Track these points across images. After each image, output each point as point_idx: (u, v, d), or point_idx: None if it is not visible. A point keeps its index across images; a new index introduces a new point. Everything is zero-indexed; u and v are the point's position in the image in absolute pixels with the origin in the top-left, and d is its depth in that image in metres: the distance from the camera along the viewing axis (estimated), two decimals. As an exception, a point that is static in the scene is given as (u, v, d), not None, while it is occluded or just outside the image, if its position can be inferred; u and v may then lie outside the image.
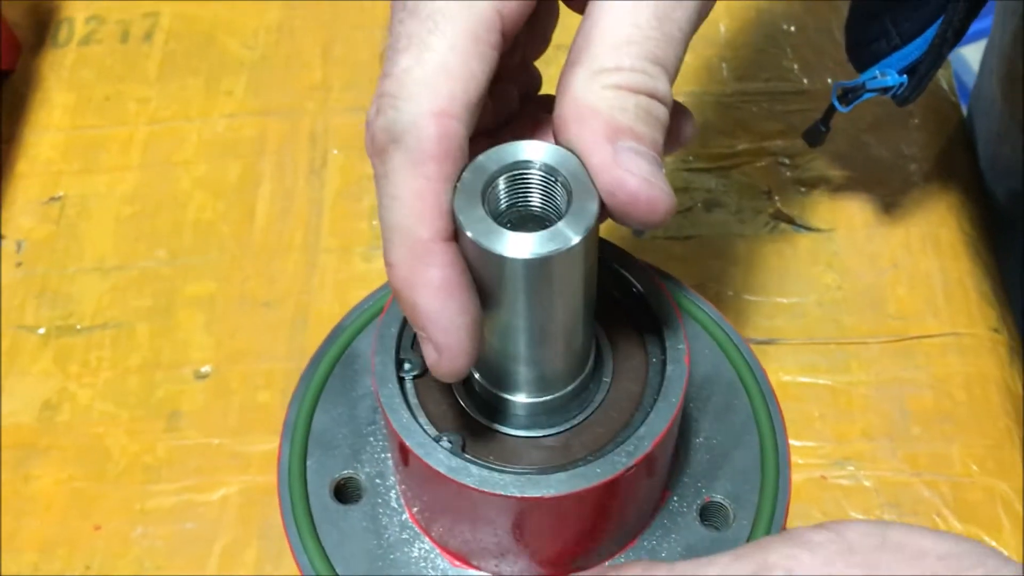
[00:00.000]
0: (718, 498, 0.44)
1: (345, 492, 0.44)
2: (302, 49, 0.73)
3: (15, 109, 0.71)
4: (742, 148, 0.66)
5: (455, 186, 0.34)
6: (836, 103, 0.56)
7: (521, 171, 0.35)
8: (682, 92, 0.70)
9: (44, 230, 0.66)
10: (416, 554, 0.43)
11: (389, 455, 0.44)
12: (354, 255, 0.63)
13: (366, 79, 0.71)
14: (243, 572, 0.52)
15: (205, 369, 0.59)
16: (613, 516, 0.41)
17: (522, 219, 0.36)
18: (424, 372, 0.42)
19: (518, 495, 0.37)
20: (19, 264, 0.64)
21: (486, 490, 0.38)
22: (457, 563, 0.43)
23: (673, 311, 0.41)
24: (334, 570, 0.42)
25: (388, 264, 0.34)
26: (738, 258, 0.62)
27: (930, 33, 0.52)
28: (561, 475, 0.38)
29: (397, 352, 0.41)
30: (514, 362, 0.38)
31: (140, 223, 0.66)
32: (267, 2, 0.76)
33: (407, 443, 0.38)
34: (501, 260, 0.34)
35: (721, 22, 0.73)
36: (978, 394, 0.56)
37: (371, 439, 0.45)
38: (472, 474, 0.38)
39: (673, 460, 0.44)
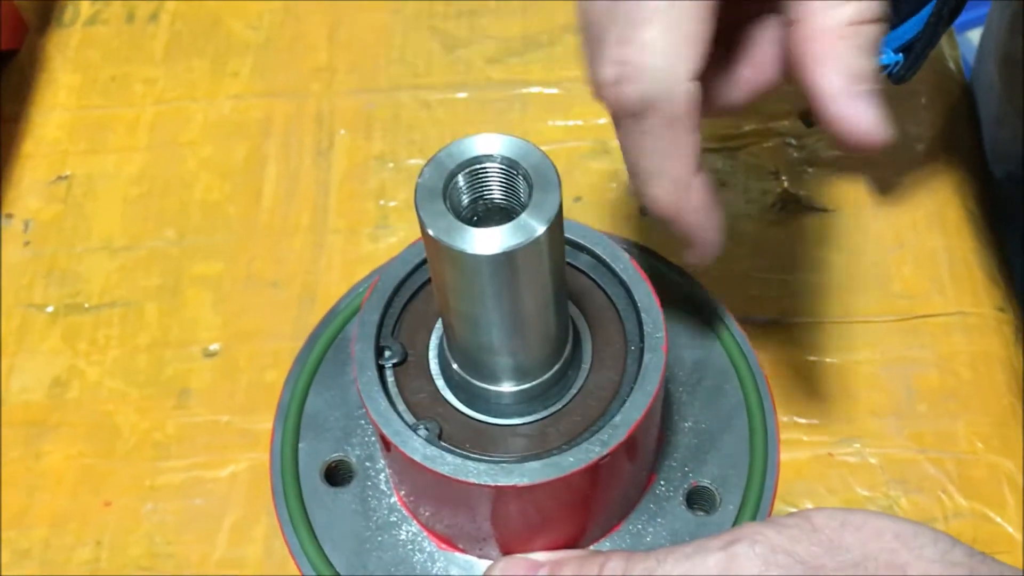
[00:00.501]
0: (705, 483, 0.44)
1: (336, 474, 0.44)
2: (308, 31, 0.73)
3: (21, 89, 0.71)
4: (749, 129, 0.66)
5: (416, 183, 0.35)
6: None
7: (481, 165, 0.35)
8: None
9: (51, 210, 0.66)
10: (404, 537, 0.43)
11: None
12: (361, 235, 0.64)
13: (372, 61, 0.71)
14: (252, 547, 0.52)
15: (213, 348, 0.60)
16: (592, 503, 0.41)
17: (487, 212, 0.36)
18: (404, 360, 0.42)
19: (491, 483, 0.38)
20: (27, 243, 0.64)
21: (460, 478, 0.38)
22: (444, 546, 0.43)
23: (653, 298, 0.41)
24: (323, 551, 0.43)
25: (651, 197, 0.39)
26: (745, 238, 0.62)
27: (925, 12, 0.52)
28: (535, 464, 0.38)
29: (378, 340, 0.41)
30: (488, 352, 0.38)
31: (147, 203, 0.66)
32: (273, -17, 0.76)
33: (384, 431, 0.39)
34: (467, 257, 0.34)
35: (727, 4, 0.73)
36: (983, 372, 0.56)
37: (362, 422, 0.45)
38: (447, 462, 0.38)
39: (659, 444, 0.44)
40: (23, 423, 0.57)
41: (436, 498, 0.41)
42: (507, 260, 0.34)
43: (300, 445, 0.45)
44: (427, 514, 0.43)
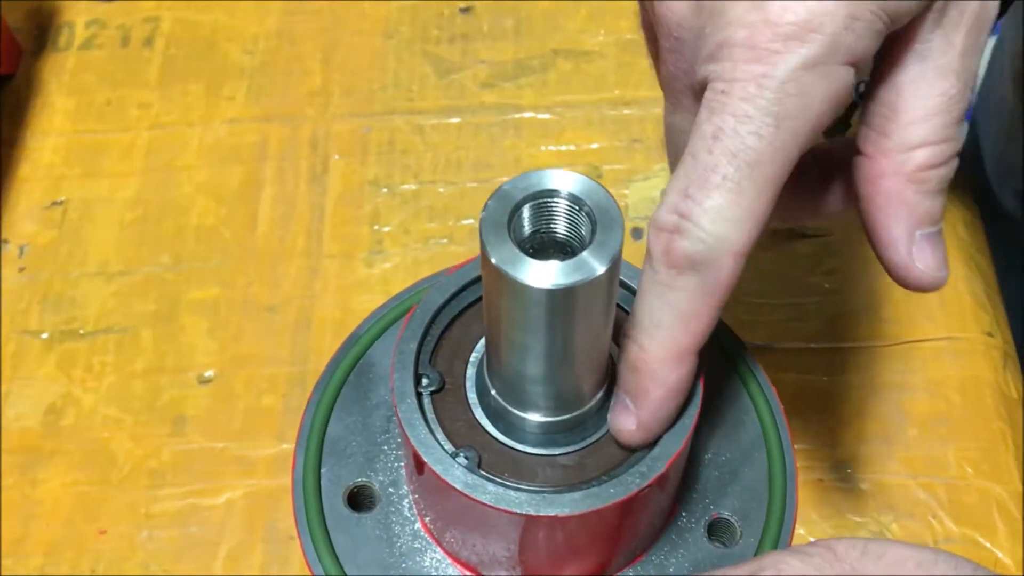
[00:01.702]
0: (726, 514, 0.44)
1: (358, 500, 0.44)
2: (302, 55, 0.74)
3: (16, 113, 0.72)
4: (740, 154, 0.67)
5: (480, 216, 0.35)
6: (858, 100, 0.56)
7: (546, 199, 0.36)
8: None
9: (47, 235, 0.66)
10: (427, 563, 0.43)
11: (403, 464, 0.45)
12: (356, 260, 0.64)
13: (366, 85, 0.72)
14: (248, 574, 0.53)
15: (209, 374, 0.60)
16: (625, 534, 0.42)
17: (545, 246, 0.37)
18: (441, 388, 0.42)
19: (533, 513, 0.38)
20: (22, 269, 0.65)
21: (501, 507, 0.38)
22: (468, 573, 0.43)
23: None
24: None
25: (637, 344, 0.38)
26: (736, 263, 0.62)
27: None
28: (576, 494, 0.38)
29: (416, 368, 0.41)
30: (532, 383, 0.39)
31: (143, 228, 0.66)
32: (267, 8, 0.76)
33: (425, 459, 0.39)
34: (525, 288, 0.34)
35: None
36: (972, 397, 0.57)
37: (385, 448, 0.46)
38: (488, 491, 0.39)
39: (683, 476, 0.45)
40: (19, 450, 0.57)
41: (467, 526, 0.41)
42: (564, 295, 0.35)
43: (322, 470, 0.45)
44: (454, 541, 0.43)
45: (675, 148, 0.41)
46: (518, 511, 0.38)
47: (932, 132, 0.36)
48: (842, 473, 0.55)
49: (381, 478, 0.45)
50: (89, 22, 0.77)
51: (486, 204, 0.35)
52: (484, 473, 0.40)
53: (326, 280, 0.63)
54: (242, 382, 0.59)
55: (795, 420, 0.56)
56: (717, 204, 0.35)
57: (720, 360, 0.48)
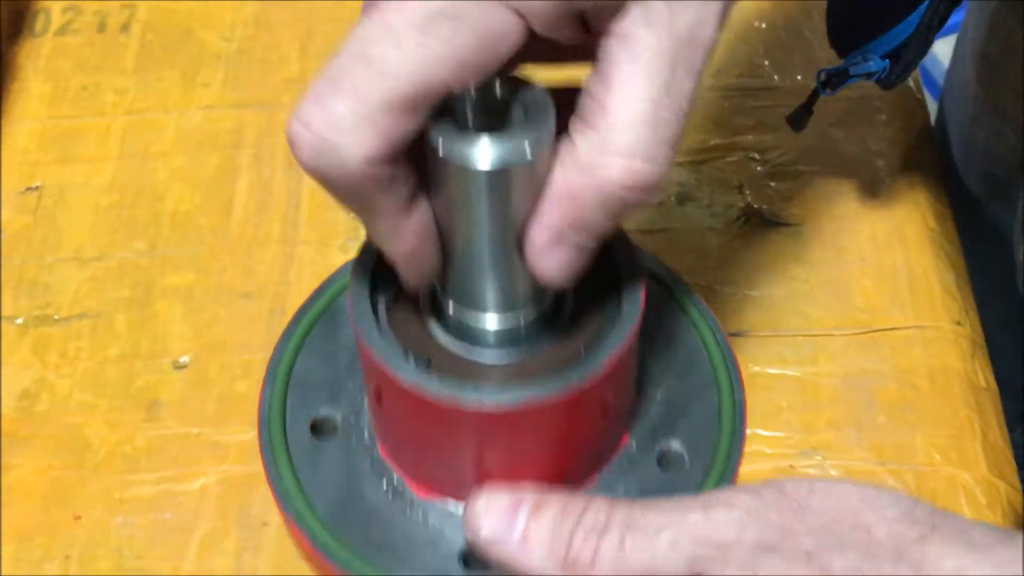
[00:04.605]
0: (675, 447, 0.46)
1: (321, 429, 0.46)
2: (279, 43, 0.74)
3: (-9, 99, 0.71)
4: (714, 143, 0.67)
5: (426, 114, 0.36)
6: (820, 88, 0.57)
7: (486, 89, 0.37)
8: (655, 88, 0.71)
9: (21, 220, 0.66)
10: (385, 487, 0.44)
11: (365, 396, 0.46)
12: (332, 247, 0.64)
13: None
14: (222, 560, 0.53)
15: (184, 359, 0.60)
16: (570, 441, 0.43)
17: (485, 128, 0.38)
18: (396, 299, 0.44)
19: (475, 403, 0.39)
20: (-3, 254, 0.65)
21: (443, 396, 0.39)
22: (425, 494, 0.44)
23: (632, 250, 0.44)
24: (308, 500, 0.44)
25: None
26: (709, 251, 0.63)
27: (912, 19, 0.54)
28: (519, 389, 0.40)
29: (373, 279, 0.43)
30: (478, 273, 0.40)
31: (118, 214, 0.66)
32: (244, -6, 0.76)
33: (373, 353, 0.40)
34: (465, 170, 0.36)
35: (694, 19, 0.74)
36: (941, 385, 0.58)
37: (349, 383, 0.47)
38: (433, 383, 0.40)
39: (634, 408, 0.46)
40: (-8, 435, 0.57)
41: (417, 434, 0.42)
42: (501, 176, 0.36)
43: (288, 402, 0.47)
44: (409, 458, 0.44)
45: None
46: (460, 400, 0.39)
47: (637, 142, 0.35)
48: (813, 459, 0.56)
49: (344, 410, 0.46)
50: (65, 8, 0.76)
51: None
52: (432, 372, 0.41)
53: (302, 267, 0.63)
54: (217, 368, 0.59)
55: (766, 407, 0.57)
56: (340, 110, 0.35)
57: (669, 302, 0.50)
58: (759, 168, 0.66)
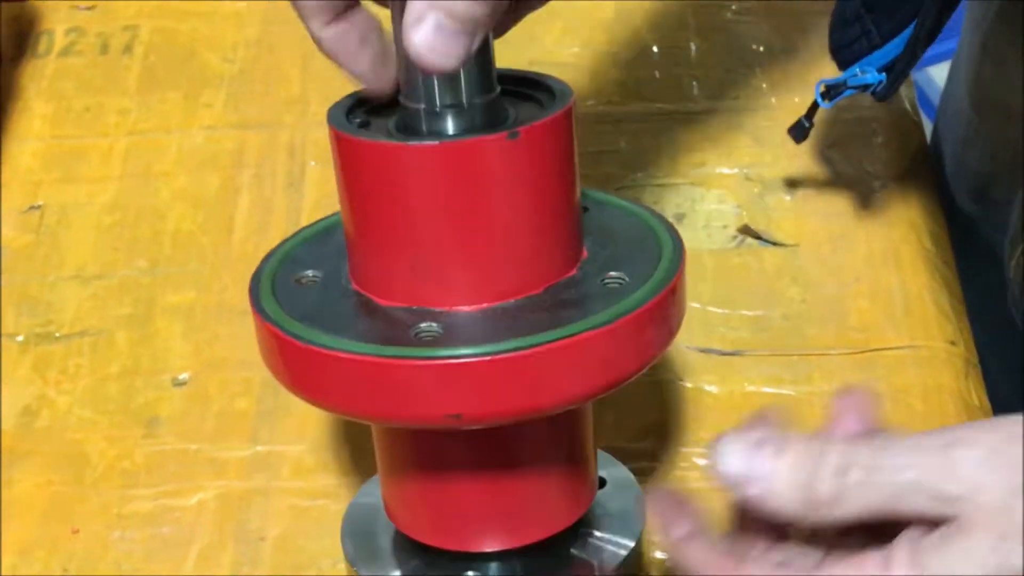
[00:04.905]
0: (617, 274, 0.45)
1: (303, 281, 0.46)
2: (281, 63, 0.75)
3: (-5, 119, 0.72)
4: (711, 164, 0.68)
5: None
6: (819, 99, 0.59)
7: None
8: (653, 109, 0.72)
9: (24, 239, 0.67)
10: (351, 304, 0.44)
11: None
12: (331, 266, 0.65)
13: (344, 92, 0.72)
14: (219, 575, 0.53)
15: (183, 376, 0.60)
16: (509, 225, 0.42)
17: None
18: (367, 124, 0.45)
19: (412, 143, 0.40)
20: (-1, 272, 0.65)
21: (378, 139, 0.41)
22: (387, 302, 0.43)
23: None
24: (283, 308, 0.44)
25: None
26: (705, 272, 0.63)
27: (907, 33, 0.56)
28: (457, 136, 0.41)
29: (352, 107, 0.45)
30: (410, 65, 0.41)
31: (120, 233, 0.67)
32: (246, 18, 0.77)
33: (333, 128, 0.42)
34: None
35: (692, 42, 0.75)
36: (935, 405, 0.58)
37: (336, 260, 0.47)
38: (379, 132, 0.42)
39: (576, 249, 0.45)
40: (-7, 451, 0.58)
41: (375, 219, 0.42)
42: None
43: (279, 270, 0.47)
44: (369, 266, 0.44)
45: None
46: (408, 146, 0.40)
47: None
48: (807, 478, 0.56)
49: (327, 271, 0.46)
50: (69, 29, 0.77)
51: None
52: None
53: (301, 285, 0.64)
54: (216, 385, 0.60)
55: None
56: None
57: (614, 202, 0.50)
58: (755, 189, 0.67)
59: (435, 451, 0.44)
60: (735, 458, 0.39)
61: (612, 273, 0.45)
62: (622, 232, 0.48)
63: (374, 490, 0.50)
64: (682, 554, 0.41)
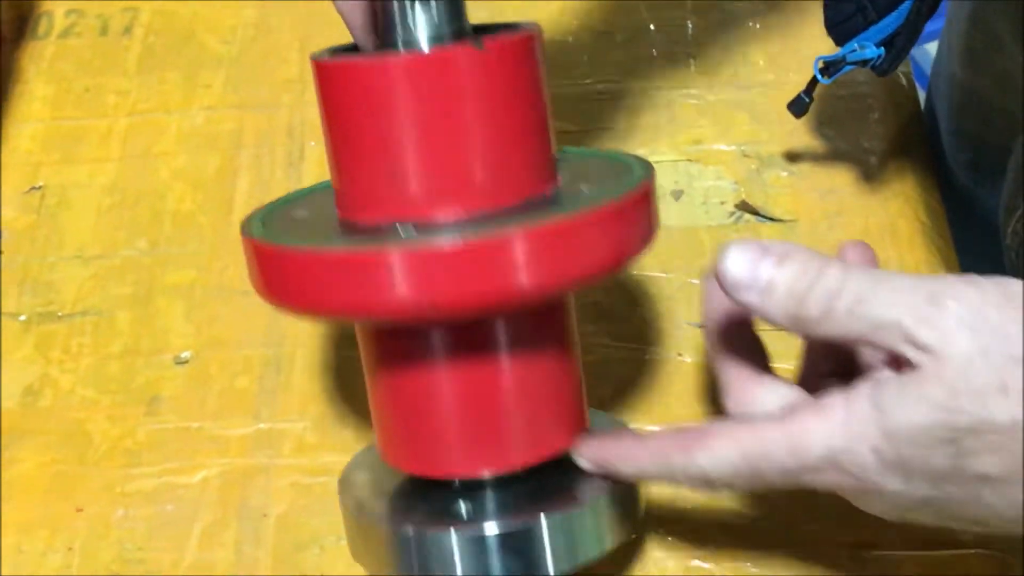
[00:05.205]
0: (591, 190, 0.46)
1: (295, 218, 0.48)
2: (279, 44, 0.75)
3: (-5, 101, 0.72)
4: (708, 140, 0.68)
5: None
6: (819, 75, 0.59)
7: None
8: (651, 87, 0.72)
9: (25, 219, 0.67)
10: (334, 225, 0.46)
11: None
12: (330, 245, 0.65)
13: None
14: (222, 552, 0.54)
15: (185, 355, 0.61)
16: (479, 131, 0.43)
17: None
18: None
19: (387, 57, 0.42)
20: (0, 253, 0.65)
21: (373, 60, 0.43)
22: (366, 217, 0.44)
23: None
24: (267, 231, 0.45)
25: None
26: (703, 247, 0.63)
27: (904, 7, 0.56)
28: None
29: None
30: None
31: (120, 213, 0.67)
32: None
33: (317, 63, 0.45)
34: None
35: (689, 20, 0.75)
36: (933, 378, 0.58)
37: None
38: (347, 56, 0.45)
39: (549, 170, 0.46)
40: (-4, 430, 0.58)
41: (344, 128, 0.44)
42: None
43: (273, 213, 0.48)
44: (358, 179, 0.44)
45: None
46: (390, 63, 0.42)
47: None
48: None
49: (318, 212, 0.48)
50: (68, 11, 0.78)
51: None
52: None
53: (301, 265, 0.64)
54: (217, 364, 0.60)
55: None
56: None
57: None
58: (753, 165, 0.67)
59: (417, 362, 0.45)
60: (739, 263, 0.41)
61: (585, 189, 0.46)
62: (597, 167, 0.49)
63: (365, 459, 0.51)
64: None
